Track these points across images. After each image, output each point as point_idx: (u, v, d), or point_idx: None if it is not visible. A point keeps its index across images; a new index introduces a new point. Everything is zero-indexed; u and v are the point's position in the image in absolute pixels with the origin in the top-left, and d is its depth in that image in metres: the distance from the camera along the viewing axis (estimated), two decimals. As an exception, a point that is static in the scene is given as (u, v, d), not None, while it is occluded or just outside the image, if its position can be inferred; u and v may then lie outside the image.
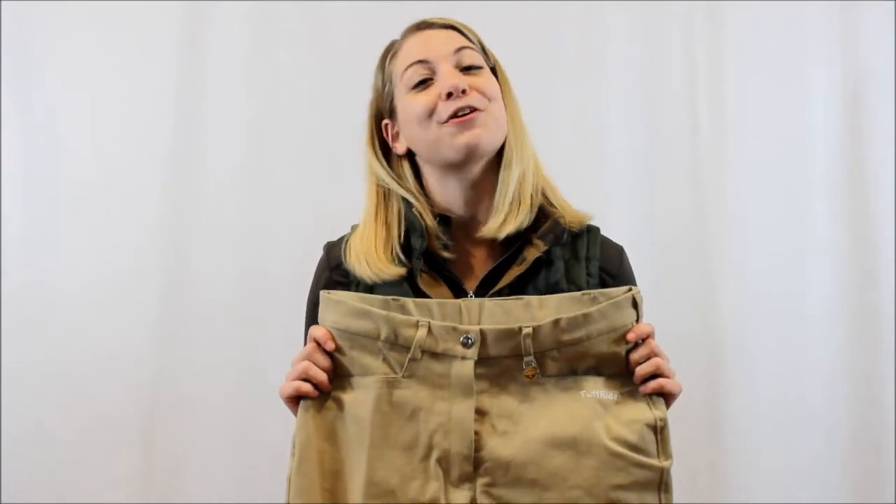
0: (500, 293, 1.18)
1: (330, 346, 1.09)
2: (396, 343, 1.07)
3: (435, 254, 1.21)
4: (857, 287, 2.18)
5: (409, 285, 1.19)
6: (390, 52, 1.27)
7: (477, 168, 1.21)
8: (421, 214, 1.22)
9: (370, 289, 1.20)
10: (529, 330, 1.06)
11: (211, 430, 2.13)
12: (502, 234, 1.19)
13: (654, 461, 1.07)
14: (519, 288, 1.19)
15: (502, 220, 1.19)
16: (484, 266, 1.22)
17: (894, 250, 2.17)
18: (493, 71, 1.26)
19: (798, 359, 2.18)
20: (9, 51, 2.17)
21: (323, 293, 1.12)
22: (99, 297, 2.14)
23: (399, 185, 1.25)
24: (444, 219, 1.22)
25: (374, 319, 1.07)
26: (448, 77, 1.19)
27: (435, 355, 1.07)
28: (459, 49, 1.21)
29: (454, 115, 1.18)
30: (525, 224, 1.20)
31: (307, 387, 1.08)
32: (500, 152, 1.23)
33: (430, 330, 1.06)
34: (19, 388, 2.11)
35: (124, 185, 2.17)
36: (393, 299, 1.08)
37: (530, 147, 1.25)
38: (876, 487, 2.15)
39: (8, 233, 2.14)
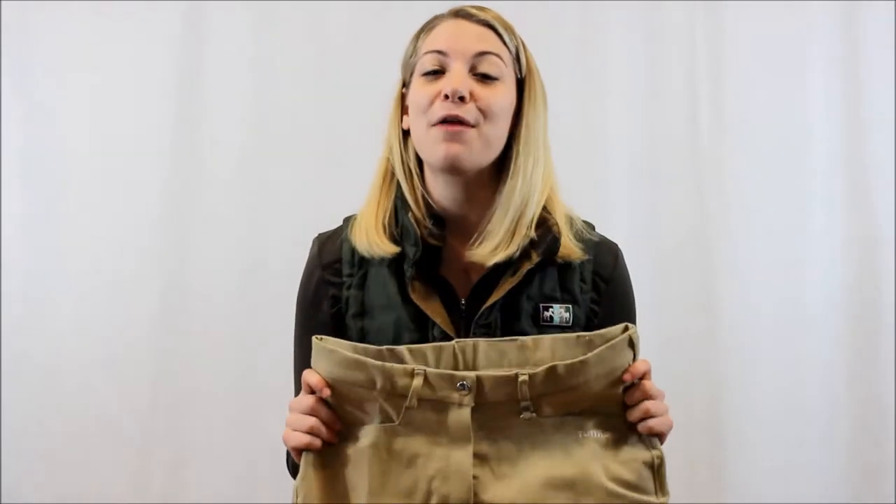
0: (492, 307, 1.16)
1: (326, 393, 1.06)
2: (393, 392, 1.05)
3: (427, 245, 1.17)
4: (857, 287, 2.18)
5: (398, 288, 1.17)
6: (427, 26, 1.23)
7: (464, 177, 1.18)
8: (414, 212, 1.19)
9: (364, 277, 1.19)
10: (526, 377, 1.05)
11: (210, 429, 2.13)
12: (490, 263, 1.16)
13: (651, 498, 1.06)
14: (512, 299, 1.17)
15: (493, 248, 1.15)
16: (477, 270, 1.19)
17: (894, 250, 2.17)
18: (523, 81, 1.21)
19: (798, 359, 2.18)
20: (9, 46, 2.17)
21: (315, 341, 1.08)
22: (98, 296, 2.15)
23: (401, 160, 1.21)
24: (437, 220, 1.19)
25: (369, 370, 1.05)
26: (454, 79, 1.15)
27: (432, 402, 1.06)
28: (482, 53, 1.16)
29: (443, 120, 1.14)
30: (516, 256, 1.16)
31: (317, 442, 1.06)
32: (502, 164, 1.19)
33: (426, 378, 1.05)
34: (19, 387, 2.12)
35: (123, 182, 2.18)
36: (387, 349, 1.06)
37: (542, 169, 1.19)
38: (876, 486, 2.15)
39: (7, 231, 2.15)
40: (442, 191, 1.20)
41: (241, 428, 2.13)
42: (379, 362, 1.05)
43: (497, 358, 1.07)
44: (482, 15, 1.20)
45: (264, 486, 2.07)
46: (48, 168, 2.17)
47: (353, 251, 1.21)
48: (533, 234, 1.17)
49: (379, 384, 1.05)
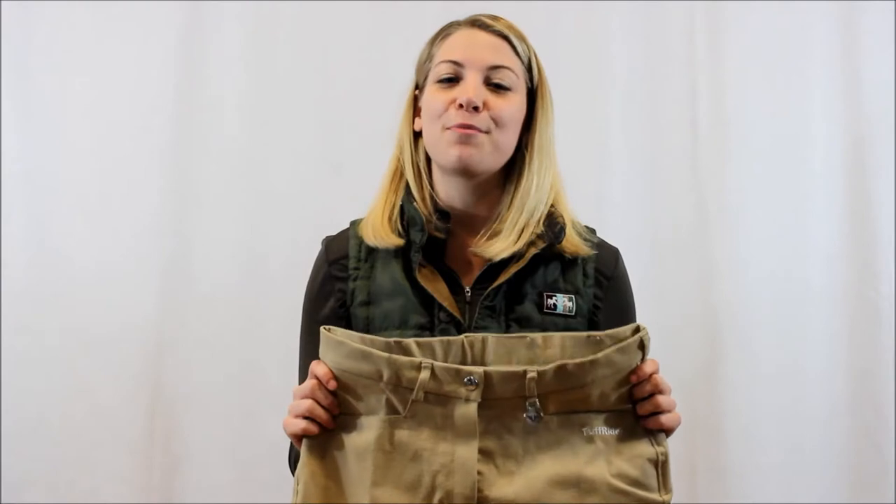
0: (497, 290, 1.19)
1: (332, 385, 1.08)
2: (399, 385, 1.06)
3: (432, 238, 1.21)
4: (856, 286, 2.18)
5: (405, 275, 1.20)
6: (443, 32, 1.26)
7: (474, 181, 1.22)
8: (419, 208, 1.22)
9: (371, 268, 1.22)
10: (534, 374, 1.05)
11: (210, 428, 2.13)
12: (497, 258, 1.19)
13: (655, 496, 1.07)
14: (517, 285, 1.20)
15: (502, 248, 1.19)
16: (481, 260, 1.22)
17: (894, 250, 2.17)
18: (535, 91, 1.25)
19: (798, 358, 2.18)
20: (9, 46, 2.17)
21: (323, 332, 1.10)
22: (98, 294, 2.14)
23: (411, 159, 1.25)
24: (442, 214, 1.23)
25: (376, 362, 1.06)
26: (468, 88, 1.19)
27: (438, 396, 1.06)
28: (496, 67, 1.20)
29: (456, 125, 1.18)
30: (522, 250, 1.20)
31: (314, 427, 1.08)
32: (508, 167, 1.23)
33: (433, 372, 1.05)
34: (19, 387, 2.12)
35: (123, 182, 2.18)
36: (395, 341, 1.07)
37: (552, 174, 1.24)
38: (876, 487, 2.15)
39: (8, 230, 2.15)
40: (450, 191, 1.24)
41: (241, 428, 2.13)
42: (386, 354, 1.06)
43: (506, 354, 1.07)
44: (497, 26, 1.23)
45: (264, 487, 2.07)
46: (47, 168, 2.17)
47: (360, 246, 1.25)
48: (540, 229, 1.21)
49: (385, 376, 1.06)
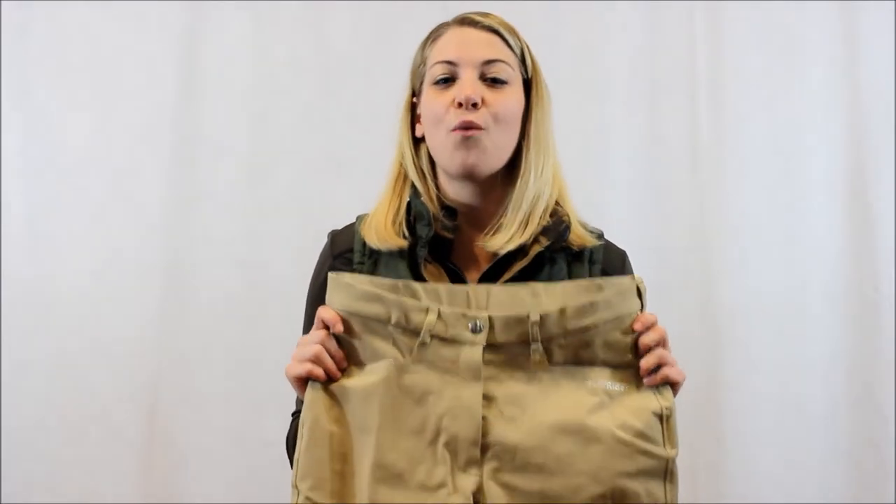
0: None
1: (339, 328, 1.08)
2: (406, 327, 1.07)
3: (438, 237, 1.22)
4: (856, 286, 2.18)
5: (411, 272, 1.20)
6: (433, 35, 1.26)
7: (479, 181, 1.22)
8: (427, 204, 1.22)
9: (374, 264, 1.22)
10: (537, 317, 1.06)
11: (211, 428, 2.13)
12: (504, 251, 1.19)
13: (660, 450, 1.07)
14: (522, 282, 1.19)
15: (507, 239, 1.19)
16: (487, 257, 1.23)
17: (894, 250, 2.17)
18: (530, 82, 1.25)
19: (798, 358, 2.18)
20: (9, 47, 2.17)
21: (331, 275, 1.11)
22: (99, 294, 2.15)
23: (414, 164, 1.25)
24: (449, 211, 1.23)
25: (385, 303, 1.07)
26: (466, 86, 1.18)
27: (444, 340, 1.07)
28: (490, 62, 1.20)
29: (458, 127, 1.18)
30: (529, 242, 1.20)
31: (319, 370, 1.08)
32: (513, 161, 1.23)
33: (439, 315, 1.07)
34: (19, 387, 2.12)
35: (124, 183, 2.18)
36: (403, 283, 1.08)
37: (552, 167, 1.24)
38: (876, 487, 2.15)
39: (8, 230, 2.15)
40: (456, 191, 1.24)
41: (241, 428, 2.13)
42: (395, 296, 1.07)
43: (509, 302, 1.08)
44: (487, 21, 1.23)
45: (264, 487, 2.07)
46: (48, 169, 2.18)
47: (365, 242, 1.25)
48: (546, 221, 1.21)
49: (394, 318, 1.07)
